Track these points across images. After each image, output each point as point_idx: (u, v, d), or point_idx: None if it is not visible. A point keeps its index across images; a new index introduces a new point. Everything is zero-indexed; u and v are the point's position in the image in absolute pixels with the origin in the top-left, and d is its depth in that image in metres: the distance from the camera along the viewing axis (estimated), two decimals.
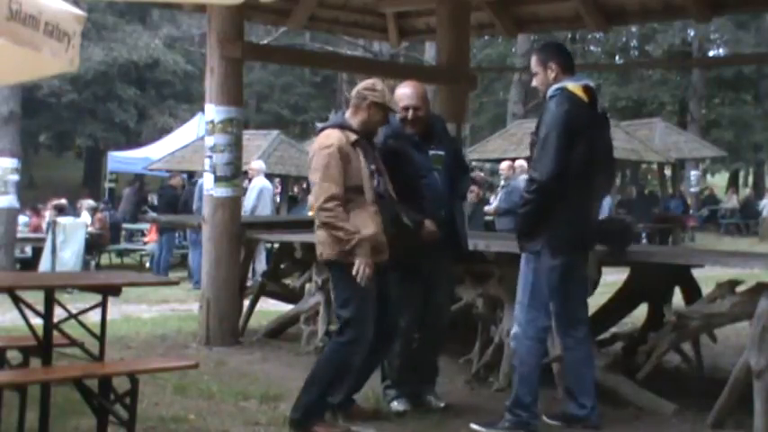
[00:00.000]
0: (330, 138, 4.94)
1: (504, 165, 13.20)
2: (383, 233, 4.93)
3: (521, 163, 14.16)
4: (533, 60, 5.06)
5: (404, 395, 5.45)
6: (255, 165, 13.98)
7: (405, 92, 5.40)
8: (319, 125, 5.28)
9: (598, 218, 5.37)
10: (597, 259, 5.15)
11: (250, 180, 13.61)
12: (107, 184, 26.78)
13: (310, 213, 12.09)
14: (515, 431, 4.87)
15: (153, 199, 21.21)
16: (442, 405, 5.49)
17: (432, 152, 5.41)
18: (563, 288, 4.91)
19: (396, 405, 5.41)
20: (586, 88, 4.88)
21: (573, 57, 5.21)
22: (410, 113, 5.35)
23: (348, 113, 5.09)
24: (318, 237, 4.98)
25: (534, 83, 5.09)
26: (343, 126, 5.02)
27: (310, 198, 6.91)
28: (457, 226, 5.47)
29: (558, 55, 4.99)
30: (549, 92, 4.88)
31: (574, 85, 4.85)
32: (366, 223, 4.86)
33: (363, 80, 5.26)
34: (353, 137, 4.97)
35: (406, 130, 5.39)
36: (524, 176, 13.42)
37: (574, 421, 5.04)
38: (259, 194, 13.16)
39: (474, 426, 4.99)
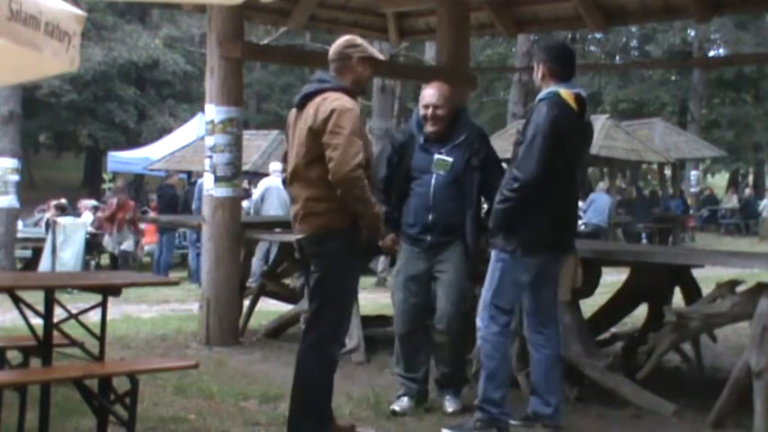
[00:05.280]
0: (350, 101, 4.42)
1: None
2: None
3: None
4: (534, 55, 5.18)
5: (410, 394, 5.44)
6: (271, 165, 14.13)
7: (427, 91, 5.46)
8: (323, 86, 4.53)
9: (576, 222, 5.43)
10: (576, 260, 5.01)
11: None
12: (105, 185, 26.72)
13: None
14: (486, 429, 4.84)
15: (152, 198, 21.17)
16: (451, 410, 5.40)
17: (437, 156, 5.36)
18: (534, 286, 4.94)
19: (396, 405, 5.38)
20: (578, 97, 4.86)
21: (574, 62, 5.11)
22: (429, 111, 5.37)
23: (332, 75, 4.58)
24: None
25: (533, 76, 5.09)
26: (345, 90, 4.50)
27: None
28: (465, 232, 5.33)
29: (556, 60, 4.93)
30: (542, 93, 4.88)
31: (566, 93, 4.83)
32: None
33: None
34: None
35: (426, 128, 5.41)
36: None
37: (538, 418, 5.02)
38: (264, 194, 13.23)
39: (445, 430, 4.94)
